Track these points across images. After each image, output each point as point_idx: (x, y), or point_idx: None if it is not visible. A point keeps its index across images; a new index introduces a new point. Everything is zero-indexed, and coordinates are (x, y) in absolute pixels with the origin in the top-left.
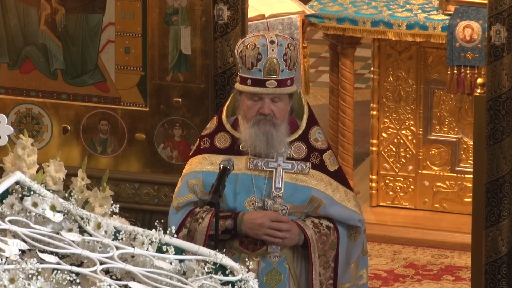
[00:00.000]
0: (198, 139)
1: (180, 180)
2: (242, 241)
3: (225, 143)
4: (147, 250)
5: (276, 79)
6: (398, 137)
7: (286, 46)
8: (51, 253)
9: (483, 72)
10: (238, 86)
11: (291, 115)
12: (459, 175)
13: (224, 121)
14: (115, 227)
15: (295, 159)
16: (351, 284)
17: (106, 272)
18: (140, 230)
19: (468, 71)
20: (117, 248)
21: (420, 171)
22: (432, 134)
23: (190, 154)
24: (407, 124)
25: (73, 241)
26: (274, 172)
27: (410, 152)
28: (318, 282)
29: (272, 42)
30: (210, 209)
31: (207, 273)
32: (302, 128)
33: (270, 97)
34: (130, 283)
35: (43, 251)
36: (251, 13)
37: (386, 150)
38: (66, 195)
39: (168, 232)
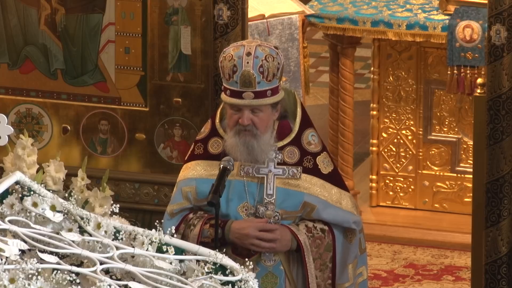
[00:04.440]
0: (193, 144)
1: (176, 185)
2: (235, 248)
3: (218, 148)
4: (147, 250)
5: (253, 91)
6: (398, 137)
7: (263, 58)
8: (51, 253)
9: (483, 72)
10: (221, 95)
11: (286, 119)
12: (459, 175)
13: (217, 125)
14: (115, 227)
15: (288, 164)
16: (350, 283)
17: (106, 272)
18: (140, 230)
19: (468, 71)
20: (117, 248)
21: (420, 171)
22: (432, 134)
23: (185, 159)
24: (407, 124)
25: (73, 241)
26: (265, 178)
27: (410, 152)
28: (314, 285)
29: (248, 54)
30: (202, 216)
31: (207, 273)
32: (294, 132)
33: (249, 108)
34: (130, 283)
35: (43, 251)
36: (251, 13)
37: (386, 150)
38: (66, 195)
39: (168, 232)
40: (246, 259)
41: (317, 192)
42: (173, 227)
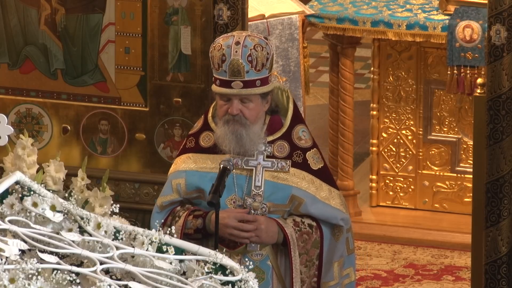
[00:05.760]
0: (185, 138)
1: (167, 178)
2: (222, 239)
3: (209, 142)
4: (147, 250)
5: (241, 80)
6: (398, 137)
7: (252, 47)
8: (51, 253)
9: (483, 72)
10: (212, 86)
11: (277, 114)
12: (459, 175)
13: (209, 120)
14: (115, 227)
15: (277, 158)
16: (336, 282)
17: (106, 272)
18: (140, 230)
19: (468, 71)
20: (117, 248)
21: (420, 171)
22: (432, 134)
23: (178, 153)
24: (407, 124)
25: (73, 241)
26: (254, 170)
27: (410, 152)
28: (298, 280)
29: (237, 43)
30: (188, 208)
31: (207, 273)
32: (285, 126)
33: (238, 97)
34: (130, 283)
35: (43, 251)
36: (251, 13)
37: (386, 150)
38: (66, 195)
39: (168, 232)
40: (247, 259)
41: (305, 186)
42: (173, 228)
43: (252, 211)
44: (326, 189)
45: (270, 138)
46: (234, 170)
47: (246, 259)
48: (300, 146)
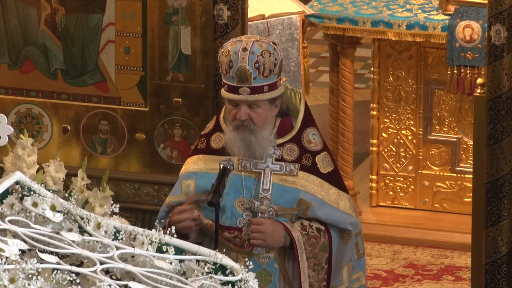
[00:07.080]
0: (198, 139)
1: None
2: (229, 239)
3: (220, 143)
4: (147, 250)
5: (249, 86)
6: (398, 137)
7: (259, 54)
8: (51, 253)
9: (483, 72)
10: (221, 90)
11: (289, 117)
12: (459, 175)
13: (221, 121)
14: (115, 227)
15: (286, 161)
16: (345, 286)
17: (106, 272)
18: (140, 230)
19: (468, 71)
20: (117, 248)
21: (420, 171)
22: (432, 134)
23: (189, 153)
24: (407, 124)
25: (73, 241)
26: (262, 173)
27: (410, 152)
28: (307, 284)
29: (244, 49)
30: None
31: (207, 273)
32: (295, 129)
33: (246, 103)
34: (130, 283)
35: (43, 251)
36: (251, 13)
37: (386, 150)
38: (66, 195)
39: (168, 232)
40: (247, 259)
41: (313, 190)
42: (173, 228)
43: (260, 214)
44: (335, 192)
45: (280, 141)
46: (243, 173)
47: (253, 262)
48: (309, 149)
